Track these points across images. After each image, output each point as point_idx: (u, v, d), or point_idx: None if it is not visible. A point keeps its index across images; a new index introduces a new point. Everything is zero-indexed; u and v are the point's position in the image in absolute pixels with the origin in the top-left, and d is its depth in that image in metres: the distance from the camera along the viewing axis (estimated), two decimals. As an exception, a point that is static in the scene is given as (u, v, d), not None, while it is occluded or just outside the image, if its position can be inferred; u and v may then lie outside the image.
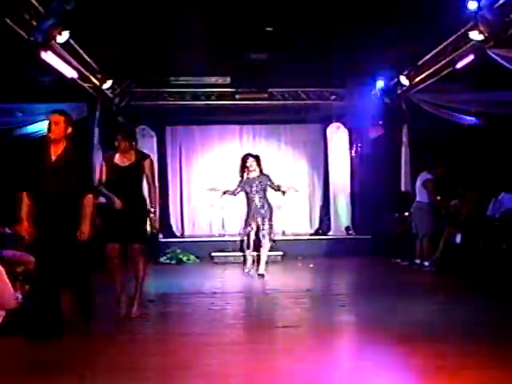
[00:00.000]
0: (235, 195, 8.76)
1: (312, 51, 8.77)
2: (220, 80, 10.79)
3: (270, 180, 8.57)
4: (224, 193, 8.74)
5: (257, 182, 8.47)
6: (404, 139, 10.98)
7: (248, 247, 8.64)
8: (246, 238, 8.64)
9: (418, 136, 10.58)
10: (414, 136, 10.79)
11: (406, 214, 9.89)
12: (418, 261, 9.09)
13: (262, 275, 8.34)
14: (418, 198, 9.14)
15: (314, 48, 8.65)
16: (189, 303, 6.55)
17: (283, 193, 8.67)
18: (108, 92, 10.45)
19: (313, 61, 9.14)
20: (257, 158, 8.66)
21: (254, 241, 8.53)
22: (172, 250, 10.70)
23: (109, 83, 10.04)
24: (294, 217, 12.50)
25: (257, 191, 8.43)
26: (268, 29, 8.37)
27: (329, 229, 12.29)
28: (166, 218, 12.23)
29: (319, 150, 12.89)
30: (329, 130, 12.46)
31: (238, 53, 9.18)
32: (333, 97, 11.57)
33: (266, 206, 8.43)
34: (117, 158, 5.72)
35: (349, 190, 12.33)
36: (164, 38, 8.17)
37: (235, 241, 10.49)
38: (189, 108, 11.56)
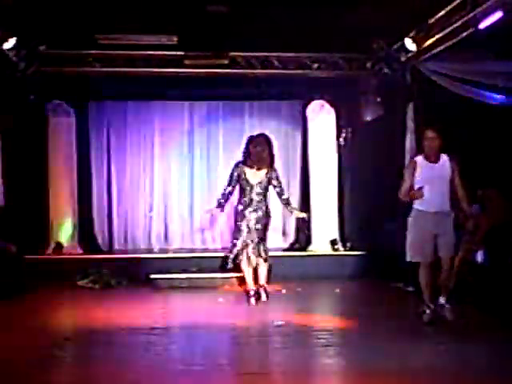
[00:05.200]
0: (230, 195, 8.55)
1: (289, 3, 8.77)
2: (164, 40, 10.70)
3: (278, 180, 8.47)
4: (219, 205, 8.53)
5: (262, 179, 8.35)
6: (409, 123, 11.05)
7: (246, 264, 8.61)
8: (240, 253, 8.57)
9: (427, 118, 10.66)
10: (422, 118, 10.87)
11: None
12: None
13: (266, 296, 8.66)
14: None
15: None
16: (119, 342, 6.52)
17: (290, 211, 8.80)
18: (11, 54, 10.24)
19: (289, 16, 9.14)
20: (269, 143, 8.43)
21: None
22: (96, 271, 10.62)
23: (11, 42, 9.84)
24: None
25: (257, 193, 8.36)
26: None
27: (308, 242, 12.34)
28: (87, 226, 12.26)
29: (296, 136, 12.98)
30: (309, 110, 12.56)
31: (188, 4, 9.11)
32: (315, 65, 11.54)
33: (262, 214, 8.40)
34: None
35: (335, 190, 12.43)
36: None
37: (182, 258, 10.52)
38: (121, 77, 11.43)
